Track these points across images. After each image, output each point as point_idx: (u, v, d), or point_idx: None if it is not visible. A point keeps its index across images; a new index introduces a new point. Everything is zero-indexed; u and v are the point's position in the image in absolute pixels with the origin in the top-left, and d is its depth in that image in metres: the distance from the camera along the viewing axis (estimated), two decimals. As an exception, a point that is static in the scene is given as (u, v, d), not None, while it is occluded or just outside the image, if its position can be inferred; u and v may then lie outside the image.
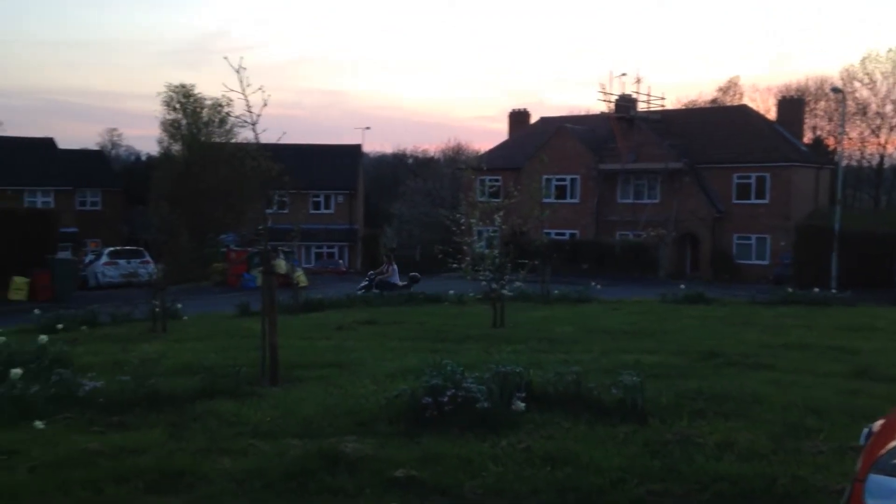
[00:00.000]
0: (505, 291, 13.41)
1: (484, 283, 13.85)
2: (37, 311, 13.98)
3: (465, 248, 14.94)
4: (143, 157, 71.37)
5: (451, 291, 18.86)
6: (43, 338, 8.83)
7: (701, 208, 38.94)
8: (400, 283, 22.71)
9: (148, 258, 34.21)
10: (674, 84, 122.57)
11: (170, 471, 4.86)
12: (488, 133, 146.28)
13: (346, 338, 11.74)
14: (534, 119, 51.78)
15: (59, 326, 12.65)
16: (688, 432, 5.66)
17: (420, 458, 4.99)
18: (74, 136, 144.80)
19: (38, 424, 5.93)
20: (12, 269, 24.30)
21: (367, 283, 22.78)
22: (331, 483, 4.57)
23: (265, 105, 8.03)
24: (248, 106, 8.07)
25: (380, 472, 4.75)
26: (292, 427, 5.95)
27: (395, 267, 23.55)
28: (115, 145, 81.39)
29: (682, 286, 20.10)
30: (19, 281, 24.27)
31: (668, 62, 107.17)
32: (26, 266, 24.58)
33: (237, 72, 7.84)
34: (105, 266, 33.50)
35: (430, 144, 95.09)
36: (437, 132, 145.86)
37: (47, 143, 52.87)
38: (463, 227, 14.24)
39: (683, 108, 54.80)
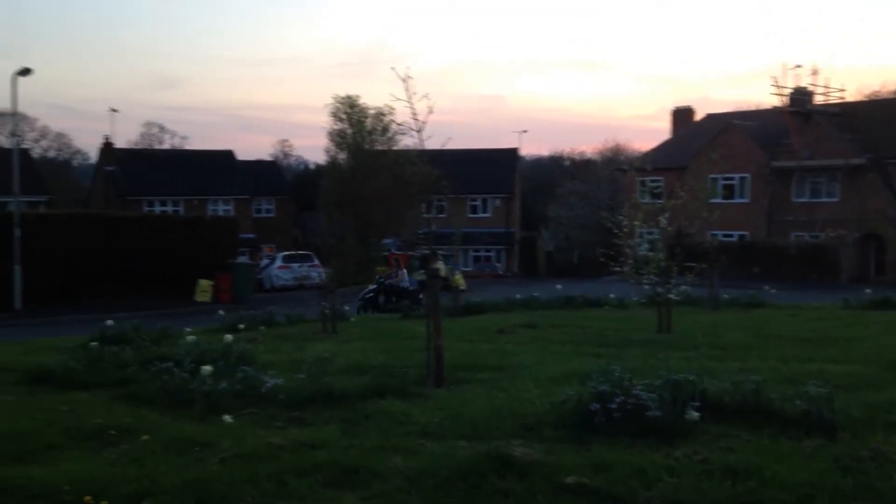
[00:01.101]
0: (671, 295, 12.94)
1: (648, 286, 13.43)
2: (221, 312, 15.01)
3: (627, 250, 14.56)
4: (312, 166, 75.23)
5: (612, 295, 18.46)
6: (228, 337, 9.46)
7: (887, 207, 35.90)
8: (411, 288, 22.24)
9: (317, 262, 36.07)
10: (854, 73, 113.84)
11: (346, 467, 5.04)
12: (648, 132, 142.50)
13: (508, 341, 11.75)
14: (698, 116, 49.78)
15: (241, 326, 13.50)
16: (883, 448, 5.19)
17: (591, 466, 4.89)
18: (250, 147, 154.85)
19: (227, 419, 6.34)
20: (198, 272, 26.33)
21: (375, 287, 21.86)
22: (501, 486, 4.57)
23: (431, 112, 8.18)
24: (414, 113, 8.24)
25: (550, 478, 4.69)
26: (459, 428, 6.01)
27: (405, 271, 23.26)
28: (286, 155, 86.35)
29: (868, 290, 18.58)
30: (205, 284, 26.25)
31: (846, 50, 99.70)
32: (210, 270, 26.55)
33: (403, 80, 8.04)
34: (279, 270, 35.58)
35: (588, 146, 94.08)
36: (595, 133, 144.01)
37: (227, 156, 56.93)
38: (625, 230, 13.89)
39: (866, 99, 50.72)
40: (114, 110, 63.88)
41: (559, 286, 21.88)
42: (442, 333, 8.20)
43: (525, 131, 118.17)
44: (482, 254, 55.08)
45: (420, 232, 38.20)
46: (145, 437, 5.93)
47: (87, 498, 4.67)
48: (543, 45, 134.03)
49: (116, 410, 6.99)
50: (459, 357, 9.44)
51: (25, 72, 24.14)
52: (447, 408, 6.72)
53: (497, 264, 54.11)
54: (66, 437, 6.11)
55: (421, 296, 21.37)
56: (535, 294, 19.77)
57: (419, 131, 8.38)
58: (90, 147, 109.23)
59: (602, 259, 14.96)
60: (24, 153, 42.92)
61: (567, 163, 75.18)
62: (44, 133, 73.16)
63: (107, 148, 53.74)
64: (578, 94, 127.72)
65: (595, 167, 65.33)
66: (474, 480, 4.66)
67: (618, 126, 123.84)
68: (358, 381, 7.79)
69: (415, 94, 8.16)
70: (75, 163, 79.18)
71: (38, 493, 4.84)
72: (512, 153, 59.79)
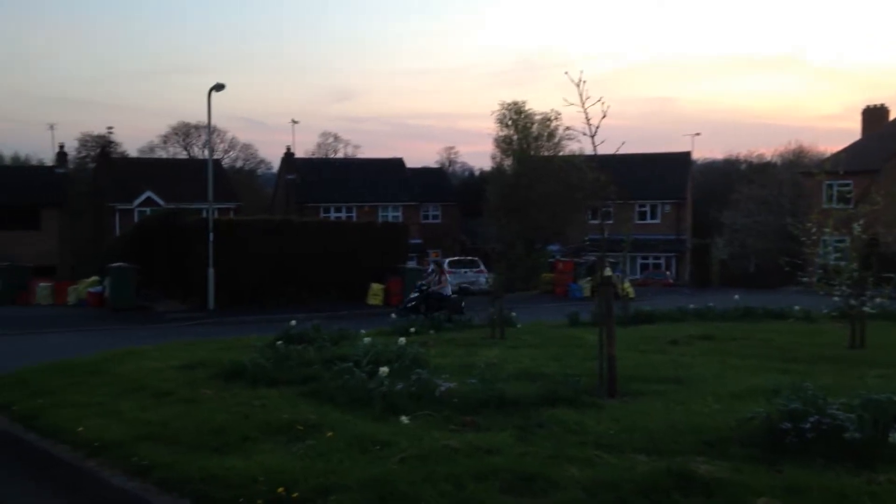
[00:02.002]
0: (865, 308, 11.94)
1: (838, 298, 12.47)
2: (393, 316, 15.50)
3: (815, 259, 13.60)
4: (477, 173, 76.25)
5: (797, 307, 17.32)
6: (401, 340, 9.74)
7: None
8: (452, 296, 21.14)
9: (482, 267, 36.50)
10: None
11: (522, 474, 5.04)
12: (835, 133, 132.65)
13: (683, 353, 11.32)
14: (893, 115, 45.79)
15: (412, 330, 13.89)
16: None
17: (783, 488, 4.59)
18: (418, 155, 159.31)
19: (404, 419, 6.53)
20: (371, 276, 27.39)
21: (417, 295, 20.77)
22: (685, 504, 4.39)
23: (604, 116, 8.04)
24: (587, 118, 8.13)
25: (737, 498, 4.45)
26: (636, 441, 5.84)
27: (448, 277, 21.87)
28: (452, 162, 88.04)
29: None
30: (376, 287, 27.25)
31: None
32: (382, 274, 27.53)
33: (577, 85, 7.96)
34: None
35: (767, 148, 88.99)
36: (775, 135, 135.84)
37: (397, 163, 58.92)
38: (813, 237, 12.97)
39: None
40: (294, 122, 68.10)
41: (736, 296, 20.81)
42: (615, 343, 8.03)
43: (698, 134, 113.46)
44: (650, 261, 53.46)
45: (586, 238, 37.75)
46: (330, 434, 6.21)
47: (280, 490, 4.96)
48: (717, 44, 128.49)
49: (302, 407, 7.39)
50: (631, 367, 9.20)
51: (219, 87, 26.14)
52: (622, 419, 6.57)
53: (667, 272, 52.27)
54: (258, 431, 6.52)
55: (463, 304, 20.73)
56: (710, 304, 18.92)
57: (592, 136, 8.26)
58: (273, 157, 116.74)
59: (787, 268, 14.05)
60: (217, 163, 46.47)
61: (743, 166, 71.44)
62: (232, 144, 78.89)
63: (288, 157, 57.15)
64: (756, 93, 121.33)
65: (775, 171, 61.64)
66: (656, 497, 4.51)
67: (800, 127, 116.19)
68: (529, 387, 7.78)
69: (587, 98, 8.06)
70: (259, 172, 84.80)
71: (236, 483, 5.20)
72: (684, 157, 57.69)
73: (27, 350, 15.21)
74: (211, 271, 24.94)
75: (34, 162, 69.97)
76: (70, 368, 10.71)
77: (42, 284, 32.10)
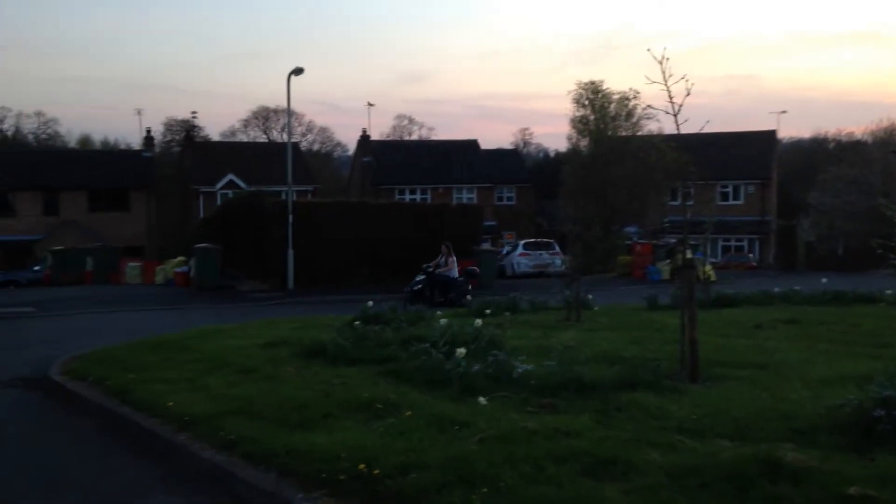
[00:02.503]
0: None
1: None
2: (468, 298, 15.55)
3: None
4: (552, 154, 75.53)
5: (888, 291, 16.58)
6: (477, 322, 9.76)
7: None
8: (459, 279, 19.85)
9: (557, 250, 36.20)
10: None
11: (602, 457, 4.99)
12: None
13: (767, 337, 10.97)
14: None
15: (487, 312, 13.88)
16: None
17: (877, 477, 4.42)
18: (492, 136, 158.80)
19: (481, 400, 6.55)
20: (445, 258, 27.51)
21: (423, 278, 19.37)
22: (773, 492, 4.27)
23: (688, 94, 7.83)
24: (670, 96, 7.93)
25: (828, 487, 4.31)
26: (720, 427, 5.71)
27: (455, 258, 20.25)
28: (526, 143, 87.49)
29: None
30: (451, 269, 27.34)
31: None
32: (457, 256, 27.60)
33: (659, 62, 7.77)
34: (520, 257, 36.16)
35: (856, 126, 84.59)
36: (865, 112, 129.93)
37: (472, 145, 58.86)
38: (911, 219, 12.31)
39: None
40: (370, 105, 68.40)
41: (823, 279, 20.07)
42: (696, 326, 7.85)
43: (784, 112, 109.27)
44: (733, 244, 51.96)
45: (666, 220, 36.94)
46: (408, 413, 6.29)
47: (362, 466, 5.05)
48: (802, 19, 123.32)
49: (381, 386, 7.50)
50: (713, 351, 8.98)
51: (298, 71, 26.59)
52: (704, 404, 6.42)
53: (749, 255, 50.74)
54: (339, 409, 6.66)
55: (469, 287, 19.70)
56: (796, 287, 18.27)
57: (675, 115, 8.05)
58: (349, 140, 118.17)
59: (878, 251, 13.43)
60: (295, 147, 47.33)
61: (832, 145, 68.62)
62: (310, 128, 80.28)
63: (363, 140, 57.82)
64: (844, 70, 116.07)
65: (865, 149, 58.94)
66: (742, 483, 4.40)
67: (892, 104, 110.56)
68: (607, 371, 7.69)
69: (670, 75, 7.85)
70: (336, 155, 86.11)
71: (320, 458, 5.33)
72: (769, 136, 55.77)
73: (119, 327, 15.92)
74: (290, 252, 25.51)
75: (123, 146, 72.77)
76: (159, 345, 11.14)
77: (131, 264, 33.51)
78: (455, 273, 19.48)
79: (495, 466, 4.84)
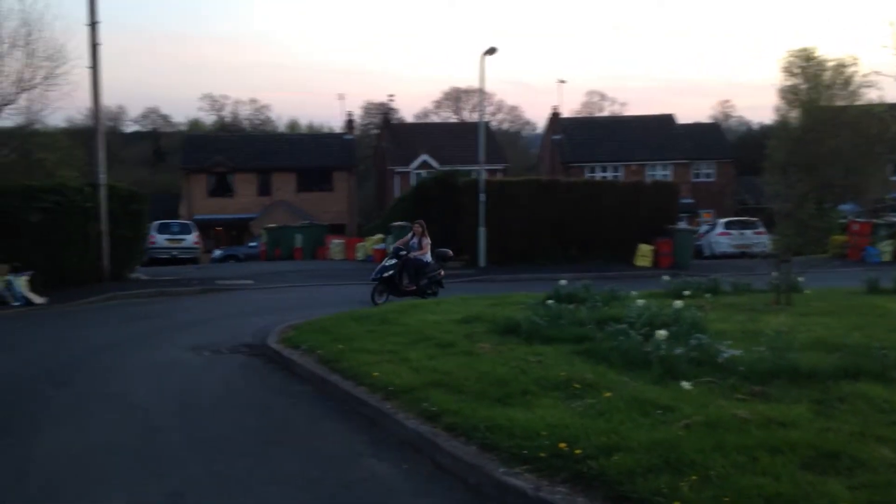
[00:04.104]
0: None
1: None
2: (665, 278, 14.98)
3: None
4: (756, 127, 70.98)
5: None
6: (677, 303, 9.39)
7: None
8: (432, 263, 16.89)
9: (761, 229, 34.01)
10: None
11: (822, 450, 4.65)
12: None
13: None
14: None
15: (686, 293, 13.32)
16: None
17: None
18: (689, 111, 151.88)
19: (685, 385, 6.30)
20: (638, 237, 26.76)
21: (394, 262, 16.33)
22: None
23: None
24: (904, 58, 7.11)
25: None
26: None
27: (429, 240, 17.09)
28: (727, 117, 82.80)
29: None
30: (645, 248, 26.58)
31: None
32: (650, 235, 26.77)
33: (892, 25, 6.99)
34: (719, 236, 34.39)
35: None
36: None
37: (667, 120, 56.62)
38: None
39: None
40: (561, 82, 67.69)
41: None
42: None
43: None
44: (967, 222, 46.28)
45: (888, 196, 33.63)
46: (607, 394, 6.18)
47: (562, 445, 5.03)
48: None
49: (577, 365, 7.42)
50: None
51: (491, 51, 26.79)
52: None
53: None
54: (536, 386, 6.67)
55: (442, 273, 17.27)
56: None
57: (910, 79, 7.21)
58: (538, 118, 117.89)
59: None
60: (486, 126, 47.94)
61: None
62: (500, 107, 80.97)
63: (554, 118, 57.35)
64: None
65: None
66: None
67: None
68: (825, 359, 7.12)
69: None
70: (524, 133, 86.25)
71: (519, 434, 5.37)
72: None
73: (327, 300, 16.95)
74: (482, 230, 25.91)
75: (326, 130, 77.24)
76: (363, 318, 11.74)
77: (335, 241, 35.52)
78: (429, 257, 16.86)
79: (704, 454, 4.64)
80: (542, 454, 4.99)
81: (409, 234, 16.98)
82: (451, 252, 18.64)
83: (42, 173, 26.50)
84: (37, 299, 17.04)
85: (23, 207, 18.65)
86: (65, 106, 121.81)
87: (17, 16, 39.46)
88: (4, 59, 27.05)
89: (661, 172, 52.29)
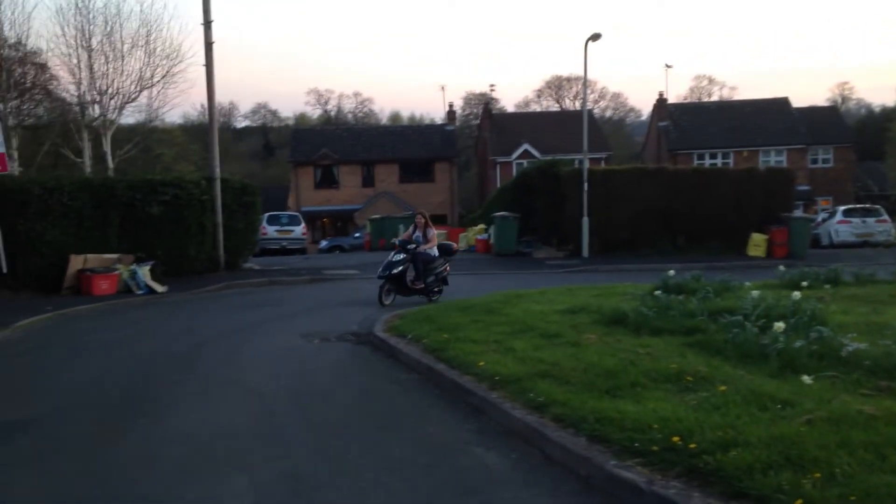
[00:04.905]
0: None
1: None
2: (781, 268, 14.36)
3: None
4: (877, 110, 66.99)
5: None
6: (795, 294, 9.00)
7: None
8: (439, 259, 15.35)
9: (885, 216, 32.15)
10: None
11: (961, 453, 4.35)
12: None
13: None
14: None
15: (804, 284, 12.74)
16: None
17: None
18: (804, 94, 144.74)
19: (806, 379, 6.04)
20: (750, 225, 25.75)
21: (403, 257, 14.84)
22: None
23: None
24: None
25: None
26: None
27: (436, 232, 15.75)
28: (845, 99, 78.56)
29: None
30: (758, 237, 25.56)
31: None
32: (763, 223, 25.72)
33: None
34: (839, 225, 32.72)
35: None
36: None
37: (781, 104, 54.15)
38: None
39: None
40: (668, 66, 65.84)
41: None
42: None
43: None
44: None
45: None
46: (722, 388, 5.99)
47: (675, 438, 4.91)
48: None
49: (689, 358, 7.23)
50: None
51: (596, 37, 26.32)
52: None
53: None
54: (646, 378, 6.54)
55: (448, 269, 15.71)
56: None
57: None
58: (642, 104, 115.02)
59: None
60: (588, 114, 47.17)
61: None
62: (602, 94, 79.52)
63: (660, 104, 55.79)
64: None
65: None
66: None
67: None
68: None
69: None
70: (629, 120, 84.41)
71: (630, 426, 5.28)
72: None
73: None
74: (585, 220, 25.56)
75: (427, 121, 78.02)
76: (467, 308, 11.80)
77: (438, 232, 35.75)
78: (436, 252, 15.41)
79: (828, 450, 4.44)
80: (655, 448, 4.89)
81: (412, 227, 15.61)
82: (455, 245, 17.65)
83: (161, 167, 27.89)
84: (158, 288, 17.99)
85: (146, 200, 19.69)
86: (180, 103, 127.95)
87: (137, 17, 41.62)
88: (126, 59, 28.59)
89: (775, 158, 50.06)
